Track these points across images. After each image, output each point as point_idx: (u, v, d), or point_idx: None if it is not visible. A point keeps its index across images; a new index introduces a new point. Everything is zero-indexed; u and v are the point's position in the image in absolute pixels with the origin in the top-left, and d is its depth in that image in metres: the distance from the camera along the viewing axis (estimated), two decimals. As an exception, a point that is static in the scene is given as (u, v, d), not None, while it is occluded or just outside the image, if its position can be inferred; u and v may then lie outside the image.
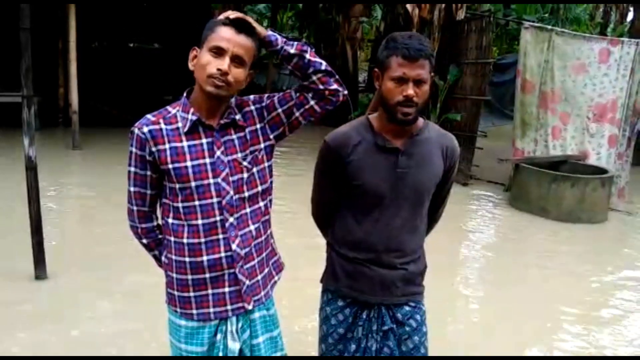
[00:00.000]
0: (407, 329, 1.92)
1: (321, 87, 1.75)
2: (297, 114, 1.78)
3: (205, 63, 1.61)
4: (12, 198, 5.58)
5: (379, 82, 1.80)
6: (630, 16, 16.21)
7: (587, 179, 6.47)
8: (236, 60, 1.63)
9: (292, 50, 1.72)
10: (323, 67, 1.74)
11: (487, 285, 4.67)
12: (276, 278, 1.93)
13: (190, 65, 1.68)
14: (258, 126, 1.78)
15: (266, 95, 1.83)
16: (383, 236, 1.87)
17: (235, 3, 11.63)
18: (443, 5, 8.11)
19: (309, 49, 1.74)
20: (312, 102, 1.77)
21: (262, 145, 1.79)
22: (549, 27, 7.73)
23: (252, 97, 1.82)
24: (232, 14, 1.65)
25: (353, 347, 1.93)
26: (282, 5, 16.08)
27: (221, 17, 1.66)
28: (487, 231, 6.16)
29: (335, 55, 12.97)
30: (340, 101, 1.81)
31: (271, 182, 1.86)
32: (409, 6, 8.11)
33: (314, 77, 1.74)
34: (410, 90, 1.69)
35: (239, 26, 1.63)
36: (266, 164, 1.82)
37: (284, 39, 1.73)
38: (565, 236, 5.99)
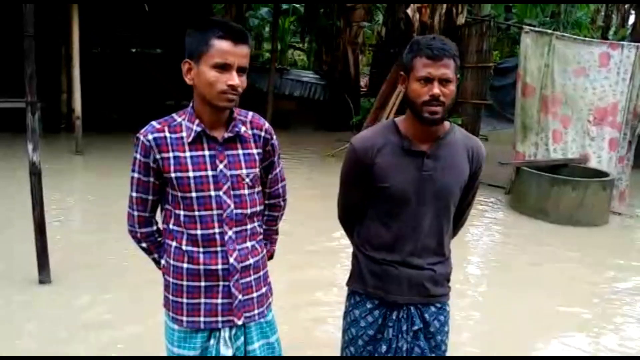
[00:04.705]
0: (432, 329, 1.95)
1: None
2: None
3: (213, 81, 1.61)
4: (15, 203, 5.61)
5: (404, 85, 1.81)
6: (631, 19, 16.24)
7: (587, 182, 6.48)
8: (240, 70, 1.64)
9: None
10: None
11: (486, 287, 4.69)
12: (271, 299, 1.94)
13: (187, 80, 1.67)
14: (258, 151, 1.82)
15: (276, 159, 1.93)
16: (410, 239, 1.87)
17: (237, 6, 11.68)
18: (443, 10, 8.14)
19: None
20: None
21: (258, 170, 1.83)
22: (549, 31, 7.74)
23: (271, 131, 1.85)
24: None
25: (384, 348, 1.93)
26: (284, 10, 16.13)
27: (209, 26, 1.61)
28: (487, 233, 6.17)
29: (337, 60, 13.00)
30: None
31: (262, 208, 1.91)
32: (409, 11, 8.15)
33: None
34: (436, 89, 1.71)
35: (236, 36, 1.62)
36: (259, 189, 1.86)
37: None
38: (565, 239, 5.99)
